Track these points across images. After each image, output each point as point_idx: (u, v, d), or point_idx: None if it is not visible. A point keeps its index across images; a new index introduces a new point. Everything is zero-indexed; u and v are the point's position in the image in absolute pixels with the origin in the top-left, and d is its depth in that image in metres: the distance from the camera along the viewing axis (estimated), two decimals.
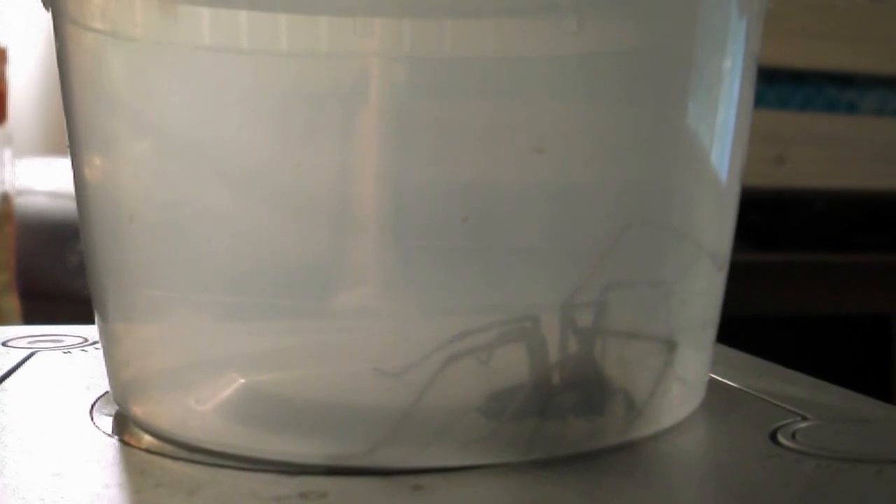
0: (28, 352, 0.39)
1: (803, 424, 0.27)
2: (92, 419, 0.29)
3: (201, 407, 0.27)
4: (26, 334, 0.43)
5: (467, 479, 0.24)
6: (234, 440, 0.26)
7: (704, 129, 0.28)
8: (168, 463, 0.25)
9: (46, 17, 0.29)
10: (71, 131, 0.28)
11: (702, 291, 0.29)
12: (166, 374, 0.29)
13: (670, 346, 0.27)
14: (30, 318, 1.09)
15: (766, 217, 1.46)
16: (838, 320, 1.35)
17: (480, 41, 0.26)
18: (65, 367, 0.36)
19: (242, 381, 0.27)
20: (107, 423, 0.28)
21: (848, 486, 0.23)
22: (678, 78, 0.28)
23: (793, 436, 0.26)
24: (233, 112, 0.26)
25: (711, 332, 0.30)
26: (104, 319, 0.29)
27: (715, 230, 0.29)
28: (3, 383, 0.33)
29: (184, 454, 0.26)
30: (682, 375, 0.28)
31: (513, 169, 0.25)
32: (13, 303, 1.34)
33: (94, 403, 0.30)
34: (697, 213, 0.28)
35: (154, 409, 0.28)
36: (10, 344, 0.40)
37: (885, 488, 0.22)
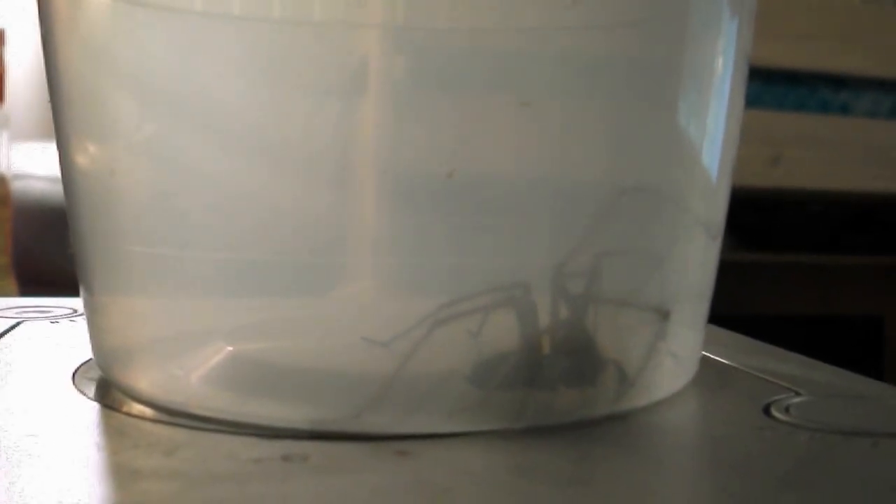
0: (15, 321, 0.38)
1: (797, 399, 0.26)
2: (74, 383, 0.28)
3: (184, 373, 0.26)
4: (15, 305, 0.42)
5: (453, 445, 0.23)
6: (215, 404, 0.25)
7: (697, 104, 0.27)
8: (148, 426, 0.24)
9: None
10: (52, 88, 0.27)
11: (696, 261, 0.28)
12: (150, 342, 0.28)
13: (663, 315, 0.26)
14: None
15: (760, 217, 1.45)
16: (830, 321, 1.34)
17: (477, 12, 0.25)
18: (51, 336, 0.35)
19: (227, 348, 0.26)
20: (89, 387, 0.27)
21: (843, 458, 0.22)
22: (670, 52, 0.27)
23: (786, 410, 0.25)
24: (219, 71, 0.25)
25: (705, 304, 0.29)
26: (87, 286, 0.28)
27: (709, 199, 0.28)
28: None
29: (164, 417, 0.25)
30: (675, 347, 0.27)
31: (502, 126, 0.24)
32: (10, 286, 1.33)
33: (78, 369, 0.29)
34: (691, 181, 0.28)
35: (136, 375, 0.27)
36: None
37: (881, 460, 0.22)
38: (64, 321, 0.38)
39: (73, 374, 0.29)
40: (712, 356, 0.32)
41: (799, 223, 1.25)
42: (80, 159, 0.26)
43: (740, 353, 0.33)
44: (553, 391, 0.25)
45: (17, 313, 0.40)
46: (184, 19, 0.25)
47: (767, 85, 1.14)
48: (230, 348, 0.26)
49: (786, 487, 0.20)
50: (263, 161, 0.25)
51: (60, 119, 0.27)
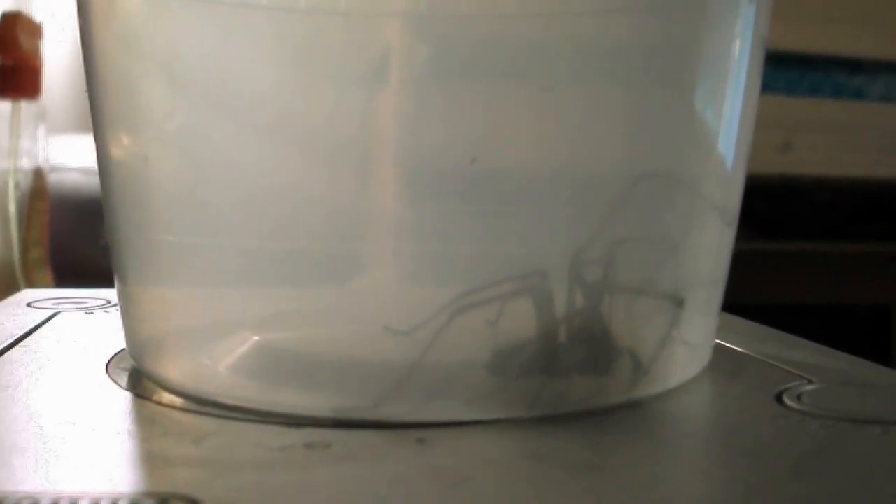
0: (51, 312, 0.38)
1: (809, 387, 0.26)
2: (108, 373, 0.28)
3: (213, 362, 0.26)
4: (51, 296, 0.42)
5: (470, 432, 0.23)
6: (242, 393, 0.25)
7: (714, 90, 0.27)
8: (178, 414, 0.24)
9: None
10: (89, 78, 0.27)
11: (710, 248, 0.27)
12: (179, 331, 0.28)
13: (677, 303, 0.26)
14: None
15: (769, 205, 1.44)
16: (839, 310, 1.33)
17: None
18: (85, 326, 0.36)
19: (254, 338, 0.26)
20: (122, 377, 0.28)
21: (853, 445, 0.21)
22: (687, 37, 0.27)
23: (798, 398, 0.25)
24: (248, 61, 0.25)
25: (719, 291, 0.29)
26: (121, 278, 0.28)
27: (725, 185, 0.28)
28: (25, 340, 0.33)
29: (195, 407, 0.25)
30: (688, 335, 0.27)
31: (522, 113, 0.24)
32: (47, 278, 1.34)
33: (111, 359, 0.30)
34: (707, 168, 0.27)
35: (167, 365, 0.27)
36: (35, 305, 0.40)
37: (890, 448, 0.21)
38: (98, 312, 0.38)
39: (107, 364, 0.29)
40: (726, 343, 0.32)
41: (809, 211, 1.24)
42: (115, 149, 0.27)
43: (754, 340, 0.32)
44: (568, 379, 0.25)
45: (53, 304, 0.40)
46: (214, 9, 0.25)
47: (780, 69, 1.12)
48: (257, 338, 0.26)
49: (796, 475, 0.20)
50: (290, 150, 0.25)
51: (97, 109, 0.27)
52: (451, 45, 0.25)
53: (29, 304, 0.40)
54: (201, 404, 0.25)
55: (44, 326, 0.35)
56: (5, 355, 0.30)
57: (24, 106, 1.16)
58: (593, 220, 0.25)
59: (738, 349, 0.31)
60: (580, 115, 0.26)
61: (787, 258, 1.29)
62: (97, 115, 0.27)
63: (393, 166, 0.25)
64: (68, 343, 0.33)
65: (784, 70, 1.12)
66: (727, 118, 0.27)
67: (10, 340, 0.32)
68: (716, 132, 0.27)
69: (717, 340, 0.32)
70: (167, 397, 0.26)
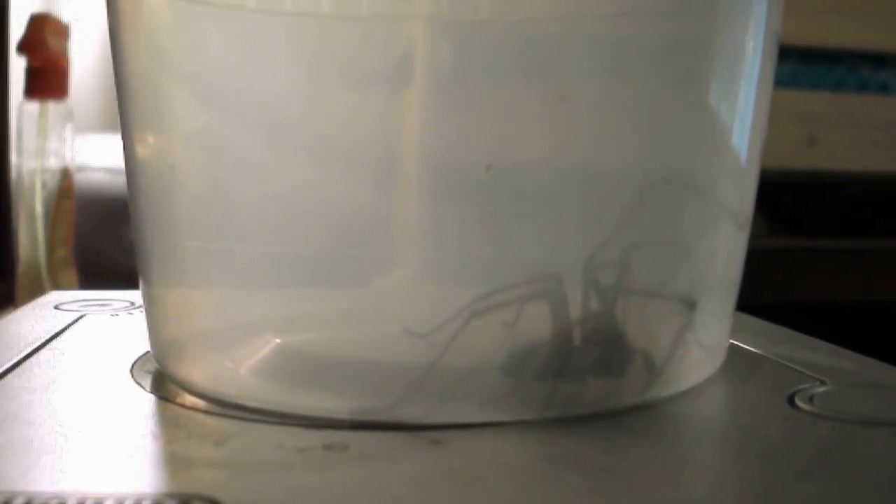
0: (78, 314, 0.39)
1: (821, 389, 0.26)
2: (132, 376, 0.29)
3: (235, 365, 0.27)
4: (78, 298, 0.43)
5: (485, 434, 0.23)
6: (264, 396, 0.26)
7: (727, 90, 0.27)
8: (201, 417, 0.25)
9: None
10: (118, 83, 0.28)
11: (723, 251, 0.28)
12: (203, 335, 0.29)
13: (690, 305, 0.26)
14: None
15: (795, 201, 1.43)
16: (869, 308, 1.32)
17: (516, 3, 0.25)
18: (111, 329, 0.37)
19: (275, 340, 0.27)
20: (146, 379, 0.29)
21: (861, 447, 0.22)
22: (701, 36, 0.27)
23: (810, 399, 0.25)
24: (271, 66, 0.25)
25: (732, 293, 0.29)
26: (146, 280, 0.29)
27: (738, 188, 0.28)
28: (52, 342, 0.34)
29: (217, 409, 0.26)
30: (702, 337, 0.27)
31: (537, 121, 0.25)
32: (71, 278, 1.35)
33: (136, 362, 0.30)
34: (721, 170, 0.28)
35: (190, 368, 0.28)
36: (61, 307, 0.41)
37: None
38: (123, 314, 0.39)
39: (132, 367, 0.30)
40: (741, 344, 0.32)
41: (837, 207, 1.23)
42: (142, 154, 0.27)
43: (769, 341, 0.33)
44: (582, 381, 0.25)
45: (79, 307, 0.41)
46: (239, 15, 0.25)
47: (804, 64, 1.11)
48: (278, 341, 0.27)
49: (805, 477, 0.20)
50: (312, 155, 0.26)
51: (124, 114, 0.28)
52: (471, 49, 0.25)
53: (56, 307, 0.41)
54: (224, 406, 0.26)
55: (70, 329, 0.36)
56: (33, 357, 0.31)
57: (52, 106, 1.17)
58: (607, 224, 0.26)
59: (753, 350, 0.32)
60: (596, 117, 0.26)
61: (815, 255, 1.29)
62: (125, 120, 0.28)
63: (413, 170, 0.25)
64: (94, 346, 0.33)
65: (809, 65, 1.11)
66: (741, 118, 0.28)
67: (38, 343, 0.33)
68: (729, 133, 0.28)
69: (733, 341, 0.33)
70: (190, 399, 0.26)
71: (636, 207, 0.26)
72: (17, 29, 0.98)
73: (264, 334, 0.27)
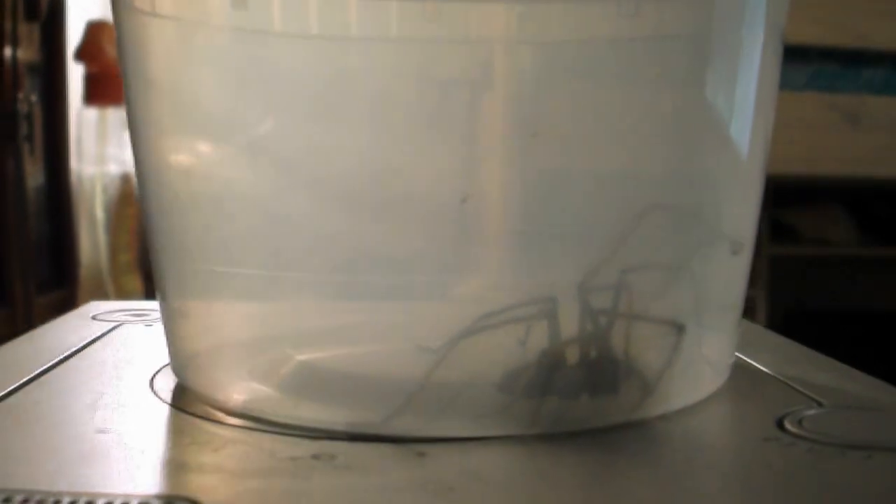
0: (113, 324, 0.43)
1: (813, 411, 0.28)
2: (151, 386, 0.32)
3: (242, 378, 0.30)
4: (117, 308, 0.47)
5: (472, 448, 0.25)
6: (268, 407, 0.28)
7: (723, 115, 0.29)
8: (207, 425, 0.28)
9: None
10: (129, 112, 0.31)
11: (718, 276, 0.30)
12: (213, 349, 0.31)
13: (679, 328, 0.28)
14: (151, 296, 1.16)
15: (890, 208, 1.41)
16: None
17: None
18: (143, 339, 0.40)
19: (283, 356, 0.30)
20: (165, 389, 0.31)
21: (830, 470, 0.23)
22: (698, 58, 0.29)
23: (799, 422, 0.27)
24: (269, 95, 0.28)
25: (731, 315, 0.31)
26: (162, 296, 0.32)
27: (733, 215, 0.30)
28: (84, 352, 0.37)
29: (225, 418, 0.28)
30: (696, 357, 0.29)
31: (513, 153, 0.27)
32: (136, 282, 1.41)
33: (158, 372, 0.33)
34: (714, 199, 0.29)
35: (202, 379, 0.31)
36: (99, 317, 0.44)
37: (868, 473, 0.23)
38: (157, 324, 0.43)
39: (153, 377, 0.33)
40: (753, 362, 0.34)
41: None
42: (150, 179, 0.30)
43: (783, 360, 0.34)
44: (573, 399, 0.27)
45: (118, 317, 0.45)
46: (238, 37, 0.28)
47: None
48: (285, 355, 0.30)
49: (766, 498, 0.22)
50: (309, 190, 0.29)
51: (135, 143, 0.31)
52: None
53: (94, 317, 0.44)
54: (233, 416, 0.28)
55: (103, 338, 0.39)
56: (62, 366, 0.34)
57: (111, 112, 1.23)
58: (600, 250, 0.28)
59: (763, 369, 0.33)
60: (590, 151, 0.28)
61: None
62: (135, 148, 0.31)
63: (401, 199, 0.28)
64: (122, 355, 0.37)
65: None
66: (735, 147, 0.29)
67: (69, 352, 0.36)
68: (727, 160, 0.29)
69: (746, 358, 0.34)
70: (202, 409, 0.29)
71: (631, 234, 0.28)
72: (74, 36, 1.03)
73: (272, 349, 0.30)
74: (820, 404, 0.29)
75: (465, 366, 0.27)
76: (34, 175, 1.13)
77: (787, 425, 0.27)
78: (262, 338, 0.31)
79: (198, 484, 0.23)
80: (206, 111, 0.29)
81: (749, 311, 1.42)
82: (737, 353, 0.35)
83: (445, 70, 0.28)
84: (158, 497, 0.22)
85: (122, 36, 0.31)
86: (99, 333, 0.40)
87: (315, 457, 0.25)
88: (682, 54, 0.29)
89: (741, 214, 0.30)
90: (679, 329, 0.28)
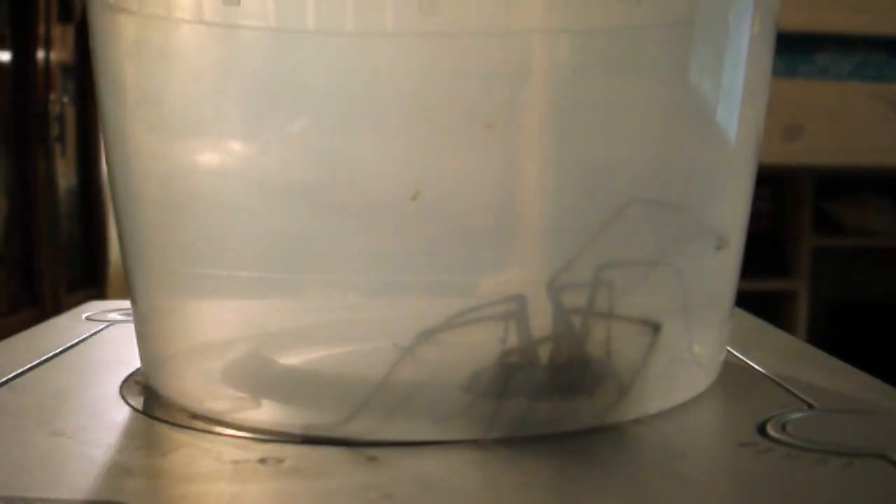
0: (105, 325, 0.42)
1: (799, 414, 0.26)
2: (120, 388, 0.31)
3: (207, 380, 0.29)
4: (113, 308, 0.46)
5: (428, 453, 0.24)
6: (230, 409, 0.27)
7: (707, 104, 0.28)
8: (166, 429, 0.27)
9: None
10: (99, 112, 0.30)
11: (701, 272, 0.28)
12: (180, 351, 0.31)
13: (655, 327, 0.26)
14: None
15: None
16: None
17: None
18: (129, 340, 0.39)
19: (245, 357, 0.29)
20: (132, 392, 0.31)
21: (802, 479, 0.22)
22: (682, 45, 0.27)
23: (783, 425, 0.25)
24: (233, 94, 0.27)
25: (718, 313, 0.29)
26: (132, 298, 0.31)
27: (718, 208, 0.28)
28: (66, 353, 0.36)
29: (189, 422, 0.27)
30: (678, 357, 0.28)
31: (465, 146, 0.26)
32: None
33: (130, 375, 0.33)
34: (696, 191, 0.28)
35: (167, 381, 0.30)
36: (93, 317, 0.44)
37: (844, 482, 0.21)
38: None
39: (124, 380, 0.32)
40: (747, 360, 0.32)
41: None
42: (118, 183, 0.30)
43: (781, 359, 0.32)
44: (541, 401, 0.26)
45: (115, 316, 0.44)
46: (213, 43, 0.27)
47: None
48: (242, 357, 0.29)
49: None
50: (261, 185, 0.28)
51: (105, 143, 0.31)
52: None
53: (87, 317, 0.44)
54: (197, 419, 0.28)
55: (90, 339, 0.39)
56: (40, 368, 0.34)
57: None
58: (572, 246, 0.26)
59: (758, 368, 0.31)
60: (571, 144, 0.27)
61: None
62: (105, 146, 0.31)
63: (350, 198, 0.27)
64: (102, 357, 0.36)
65: None
66: (720, 133, 0.28)
67: (51, 354, 0.36)
68: (710, 147, 0.28)
69: (741, 356, 0.33)
70: (165, 412, 0.28)
71: (604, 231, 0.26)
72: None
73: (230, 352, 0.29)
74: (811, 406, 0.27)
75: (429, 367, 0.26)
76: (66, 176, 1.15)
77: (769, 429, 0.25)
78: (224, 340, 0.30)
79: (133, 489, 0.22)
80: (169, 110, 0.28)
81: (790, 303, 1.40)
82: (732, 351, 0.33)
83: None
84: (86, 502, 0.21)
85: (92, 34, 0.30)
86: (87, 334, 0.40)
87: (261, 461, 0.24)
88: (664, 41, 0.27)
89: (728, 207, 0.29)
90: (654, 328, 0.26)
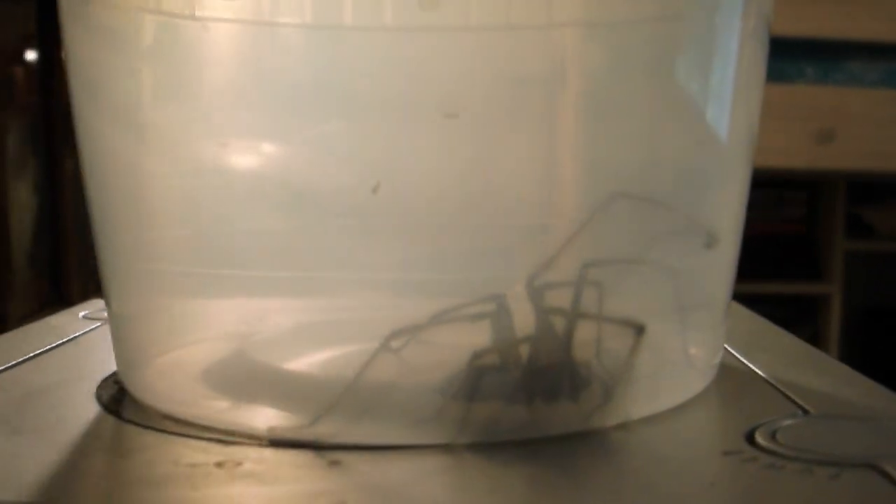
0: (99, 323, 0.41)
1: (794, 420, 0.25)
2: (96, 390, 0.30)
3: (178, 380, 0.28)
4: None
5: (394, 458, 0.23)
6: (198, 411, 0.27)
7: (695, 102, 0.26)
8: (132, 430, 0.26)
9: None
10: (72, 110, 0.29)
11: (691, 272, 0.27)
12: (145, 352, 0.30)
13: (639, 329, 0.25)
14: None
15: None
16: None
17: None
18: None
19: (216, 358, 0.28)
20: (107, 393, 0.30)
21: (781, 491, 0.20)
22: (669, 42, 0.26)
23: (773, 433, 0.24)
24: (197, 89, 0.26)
25: (712, 314, 0.28)
26: (106, 299, 0.31)
27: (708, 207, 0.27)
28: (53, 352, 0.36)
29: (155, 422, 0.27)
30: (668, 360, 0.26)
31: (427, 137, 0.25)
32: None
33: (109, 376, 0.32)
34: (684, 189, 0.26)
35: (139, 383, 0.29)
36: (89, 316, 0.43)
37: (825, 496, 0.20)
38: None
39: (102, 381, 0.31)
40: (746, 362, 0.31)
41: None
42: (90, 183, 0.29)
43: (783, 363, 0.31)
44: (517, 405, 0.25)
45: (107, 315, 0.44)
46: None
47: None
48: (214, 358, 0.28)
49: None
50: (247, 186, 0.27)
51: (78, 142, 0.30)
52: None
53: (84, 316, 0.43)
54: (168, 420, 0.27)
55: (80, 338, 0.38)
56: (22, 365, 0.33)
57: None
58: (553, 244, 0.25)
59: (756, 370, 0.30)
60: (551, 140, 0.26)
61: None
62: (78, 145, 0.30)
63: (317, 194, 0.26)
64: (87, 356, 0.35)
65: None
66: (710, 126, 0.26)
67: (38, 351, 0.35)
68: (702, 141, 0.27)
69: (741, 358, 0.31)
70: (136, 413, 0.28)
71: (586, 228, 0.25)
72: None
73: (202, 352, 0.28)
74: (805, 412, 0.26)
75: (402, 369, 0.25)
76: None
77: (758, 437, 0.24)
78: (193, 340, 0.29)
79: (83, 491, 0.21)
80: (136, 108, 0.28)
81: (823, 308, 1.37)
82: (733, 353, 0.32)
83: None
84: None
85: (63, 28, 0.29)
86: (80, 332, 0.39)
87: (218, 464, 0.23)
88: (651, 37, 0.26)
89: (719, 206, 0.27)
90: (638, 329, 0.25)
